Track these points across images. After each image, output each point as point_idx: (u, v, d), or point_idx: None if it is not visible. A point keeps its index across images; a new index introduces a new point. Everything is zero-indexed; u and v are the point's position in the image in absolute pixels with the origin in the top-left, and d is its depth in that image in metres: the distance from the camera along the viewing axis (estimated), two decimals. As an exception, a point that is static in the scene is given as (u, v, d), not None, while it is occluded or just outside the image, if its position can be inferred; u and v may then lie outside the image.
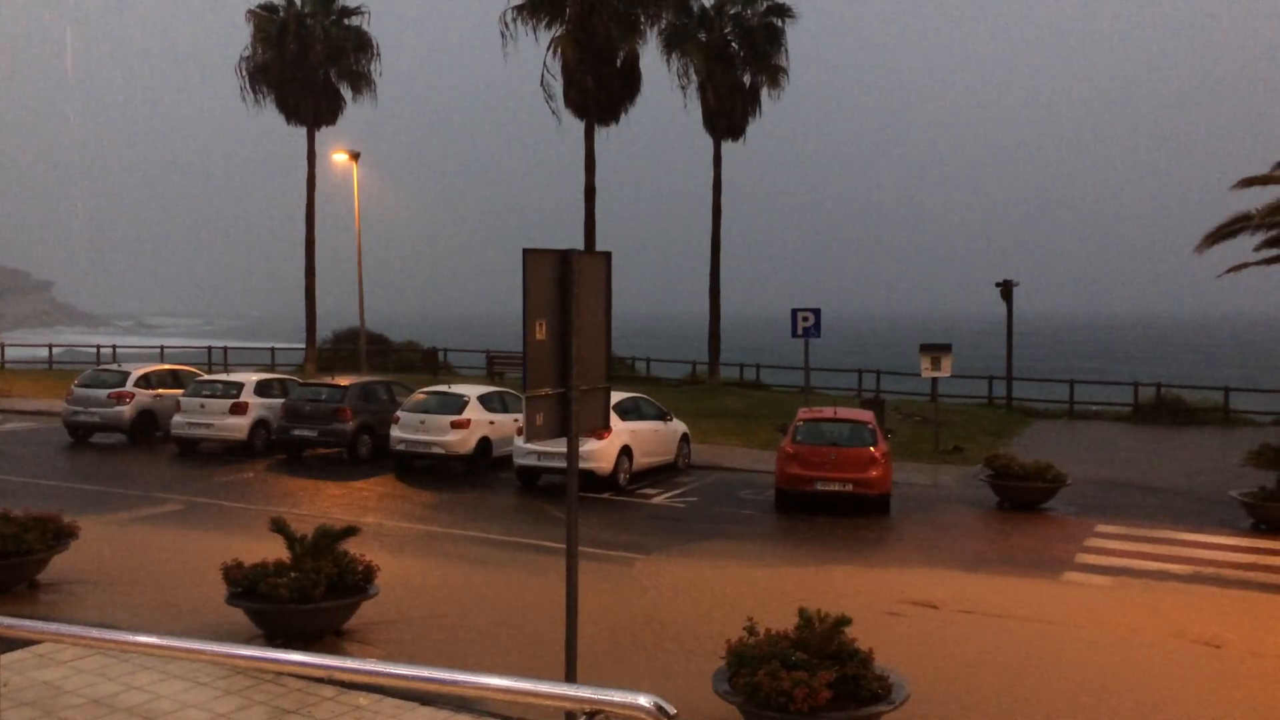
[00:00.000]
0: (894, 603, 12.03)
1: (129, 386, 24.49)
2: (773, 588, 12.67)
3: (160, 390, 24.93)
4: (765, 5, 38.17)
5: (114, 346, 51.00)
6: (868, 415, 19.25)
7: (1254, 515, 17.45)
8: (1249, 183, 20.86)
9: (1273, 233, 20.73)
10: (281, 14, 39.86)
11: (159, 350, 50.85)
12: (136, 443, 24.31)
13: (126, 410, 24.20)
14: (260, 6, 39.95)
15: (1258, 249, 21.07)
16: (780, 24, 38.29)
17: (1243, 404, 35.94)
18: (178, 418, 23.19)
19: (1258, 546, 15.99)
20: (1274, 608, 12.47)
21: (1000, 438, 28.07)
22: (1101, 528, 17.00)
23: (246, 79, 40.05)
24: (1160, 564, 14.52)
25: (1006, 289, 37.06)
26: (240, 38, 40.26)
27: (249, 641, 9.49)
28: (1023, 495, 18.61)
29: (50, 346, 49.88)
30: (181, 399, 23.48)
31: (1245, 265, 21.51)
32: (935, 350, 25.74)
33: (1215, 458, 25.26)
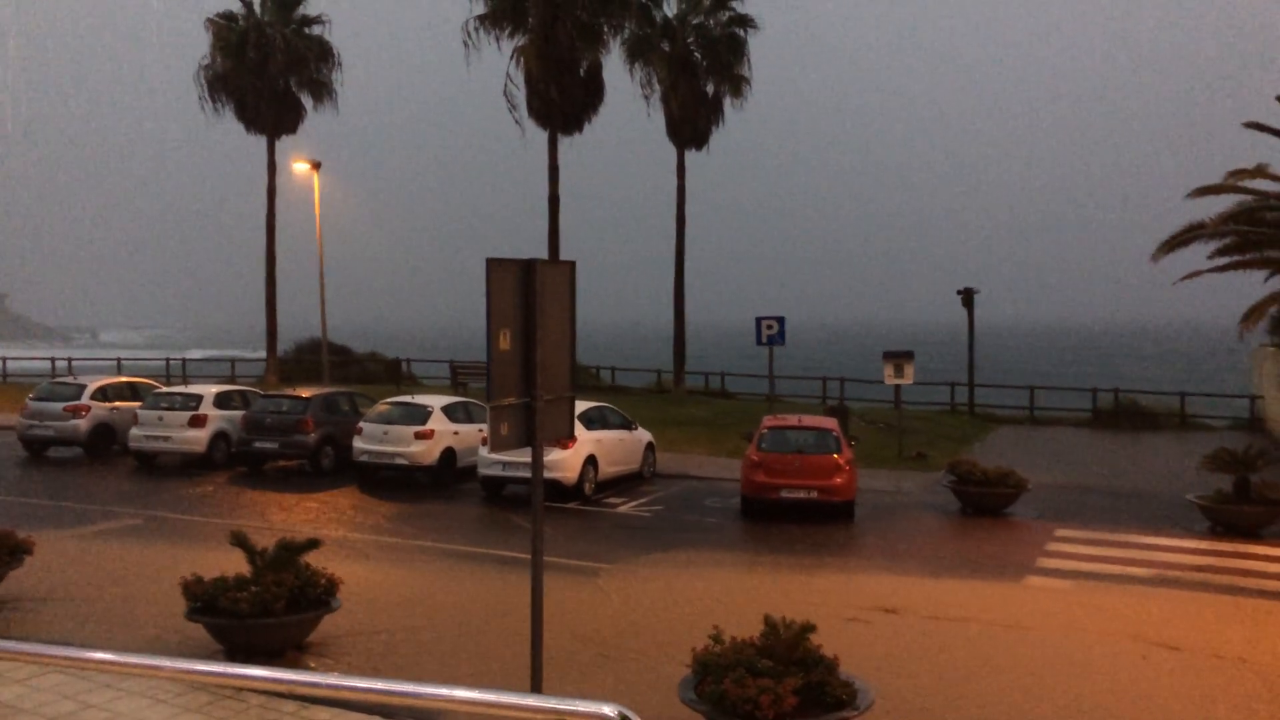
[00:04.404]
0: (859, 609, 12.09)
1: (85, 399, 24.13)
2: (738, 595, 12.69)
3: (117, 403, 24.58)
4: (728, 15, 38.35)
5: (69, 359, 50.23)
6: (832, 423, 19.36)
7: (1210, 518, 17.72)
8: (1203, 192, 21.29)
9: (1225, 241, 21.16)
10: (241, 23, 39.54)
11: (116, 362, 50.17)
12: (93, 456, 23.95)
13: (83, 423, 23.84)
14: (219, 15, 39.61)
15: (1211, 256, 21.49)
16: (743, 34, 38.48)
17: (1199, 408, 36.55)
18: (135, 430, 22.87)
19: (1214, 549, 16.23)
20: (1231, 609, 12.65)
21: (963, 444, 28.32)
22: (1062, 532, 17.19)
23: (205, 88, 39.67)
24: (1120, 567, 14.70)
25: (968, 296, 37.44)
26: (199, 46, 39.96)
27: (209, 657, 9.37)
28: (985, 501, 18.78)
29: (4, 360, 49.03)
30: (139, 411, 23.16)
31: (1199, 273, 21.93)
32: (898, 358, 25.94)
33: (1172, 462, 25.64)
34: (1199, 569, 14.82)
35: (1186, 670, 10.14)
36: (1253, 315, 20.62)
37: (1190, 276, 22.15)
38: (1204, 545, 16.53)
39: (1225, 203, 21.18)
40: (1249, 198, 20.89)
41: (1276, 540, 16.68)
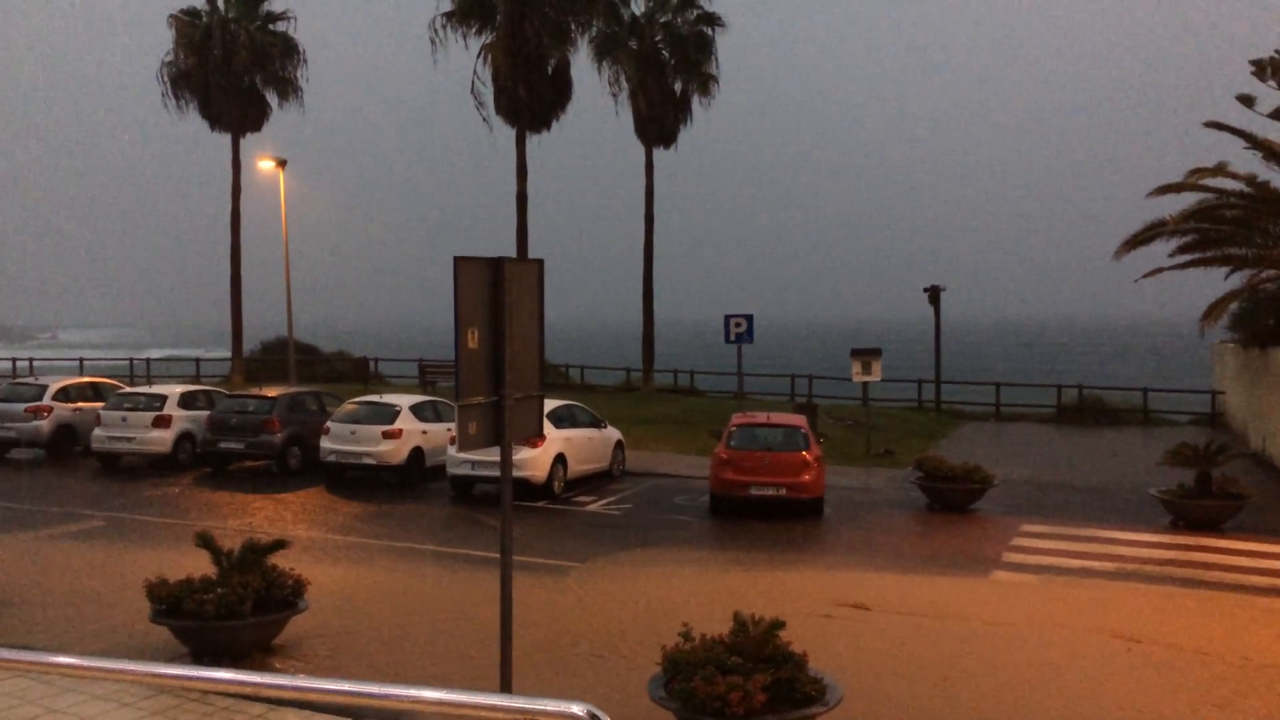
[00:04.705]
0: (827, 605, 12.15)
1: (47, 400, 23.82)
2: (708, 593, 12.72)
3: (80, 404, 24.28)
4: (695, 14, 38.43)
5: (30, 359, 49.54)
6: (800, 420, 19.44)
7: (1172, 512, 17.95)
8: (1164, 190, 21.52)
9: (1186, 239, 21.42)
10: (205, 19, 39.14)
11: (78, 362, 49.54)
12: (55, 458, 23.64)
13: (44, 425, 23.53)
14: (183, 11, 39.17)
15: (1173, 254, 21.74)
16: (710, 32, 38.58)
17: (1161, 404, 37.06)
18: (98, 431, 22.59)
19: (1176, 543, 16.46)
20: (1191, 602, 12.84)
21: (930, 440, 28.54)
22: (1027, 527, 17.36)
23: (168, 85, 39.23)
24: (1084, 561, 14.87)
25: (934, 294, 37.73)
26: (162, 41, 39.49)
27: (174, 660, 9.28)
28: (952, 496, 18.93)
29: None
30: (102, 412, 22.88)
31: (1161, 270, 22.19)
32: (866, 355, 26.11)
33: (1135, 457, 25.96)
34: (1162, 563, 15.01)
35: (1147, 662, 10.28)
36: (1213, 312, 20.90)
37: (1152, 274, 22.41)
38: (1166, 539, 16.74)
39: (1187, 200, 21.44)
40: (1210, 196, 21.15)
41: (1237, 534, 16.93)
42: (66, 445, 23.94)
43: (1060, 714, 8.77)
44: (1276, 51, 19.98)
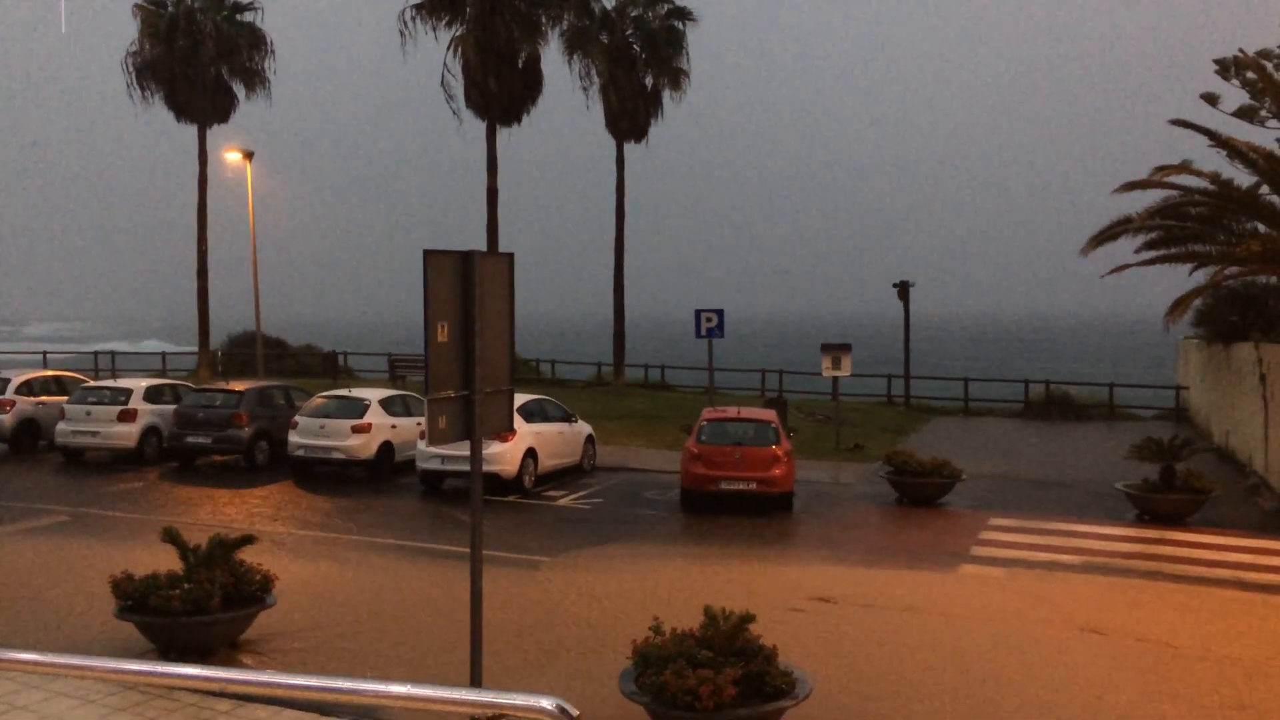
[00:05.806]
0: (797, 599, 12.20)
1: (9, 394, 23.48)
2: (679, 587, 12.74)
3: (43, 397, 23.96)
4: (666, 8, 38.39)
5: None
6: (771, 415, 19.49)
7: (1138, 506, 18.18)
8: (1130, 187, 21.71)
9: (1151, 235, 21.64)
10: (171, 9, 38.62)
11: (42, 355, 48.88)
12: (18, 453, 23.31)
13: (7, 419, 23.20)
14: (148, 0, 38.67)
15: (1138, 250, 21.97)
16: (681, 26, 38.56)
17: (1126, 399, 37.50)
18: (62, 426, 22.30)
19: (1141, 536, 16.66)
20: (1155, 594, 13.00)
21: (899, 435, 28.71)
22: (995, 521, 17.51)
23: (133, 75, 38.69)
24: (1050, 555, 15.01)
25: (903, 289, 37.94)
26: (127, 30, 38.99)
27: (140, 656, 9.19)
28: (921, 491, 19.06)
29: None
30: (66, 406, 22.59)
31: (1127, 266, 22.40)
32: (836, 350, 26.23)
33: (1101, 451, 26.24)
34: (1127, 556, 15.19)
35: (1113, 654, 10.39)
36: (1178, 308, 21.12)
37: (1118, 270, 22.62)
38: (1131, 533, 16.94)
39: (1153, 197, 21.65)
40: (1174, 193, 21.37)
41: (1201, 528, 17.17)
42: (29, 440, 23.62)
43: (1027, 705, 8.86)
44: (1240, 51, 20.23)
